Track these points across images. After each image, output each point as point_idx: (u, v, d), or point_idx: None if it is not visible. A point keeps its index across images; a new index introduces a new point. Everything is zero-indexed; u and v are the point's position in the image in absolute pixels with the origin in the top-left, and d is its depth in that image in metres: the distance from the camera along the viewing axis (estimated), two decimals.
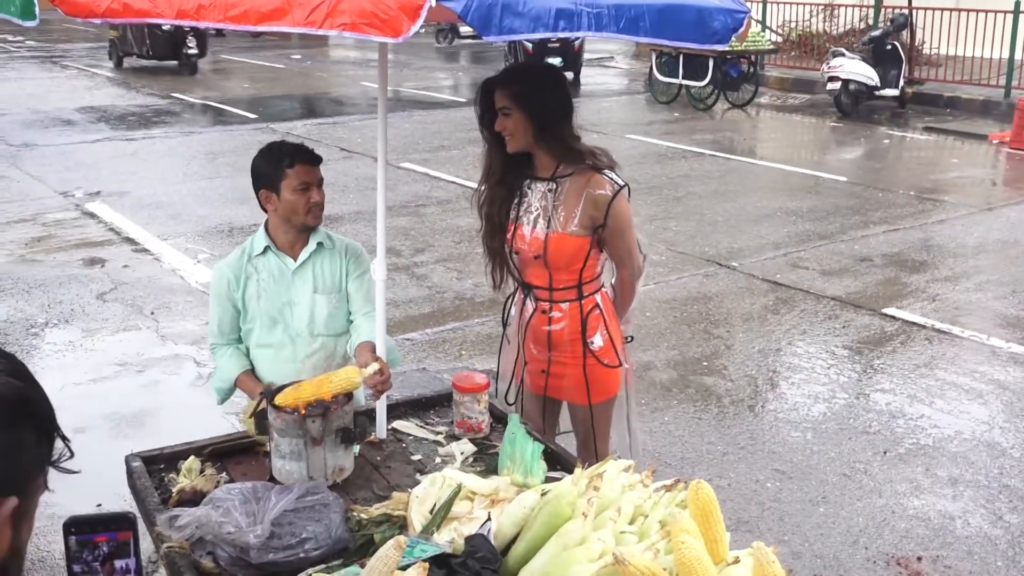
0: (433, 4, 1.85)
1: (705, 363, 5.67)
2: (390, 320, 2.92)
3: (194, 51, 18.34)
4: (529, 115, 2.97)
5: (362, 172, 10.28)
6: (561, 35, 2.27)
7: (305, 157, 3.01)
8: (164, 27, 16.29)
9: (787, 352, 5.83)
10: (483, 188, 3.20)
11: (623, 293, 3.25)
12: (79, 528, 1.42)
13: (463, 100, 15.69)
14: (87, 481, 4.09)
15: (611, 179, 3.03)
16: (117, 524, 1.43)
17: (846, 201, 9.35)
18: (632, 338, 3.35)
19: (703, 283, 7.01)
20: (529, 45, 15.97)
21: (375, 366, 2.65)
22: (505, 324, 3.37)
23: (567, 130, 3.05)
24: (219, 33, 22.61)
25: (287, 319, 3.10)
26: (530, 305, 3.19)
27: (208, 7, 1.90)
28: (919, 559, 3.83)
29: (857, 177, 10.43)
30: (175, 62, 18.68)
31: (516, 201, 3.14)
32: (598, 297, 3.16)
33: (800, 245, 7.91)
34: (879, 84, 13.83)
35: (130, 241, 7.88)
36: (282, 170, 2.99)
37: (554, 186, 3.06)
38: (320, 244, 3.12)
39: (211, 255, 7.43)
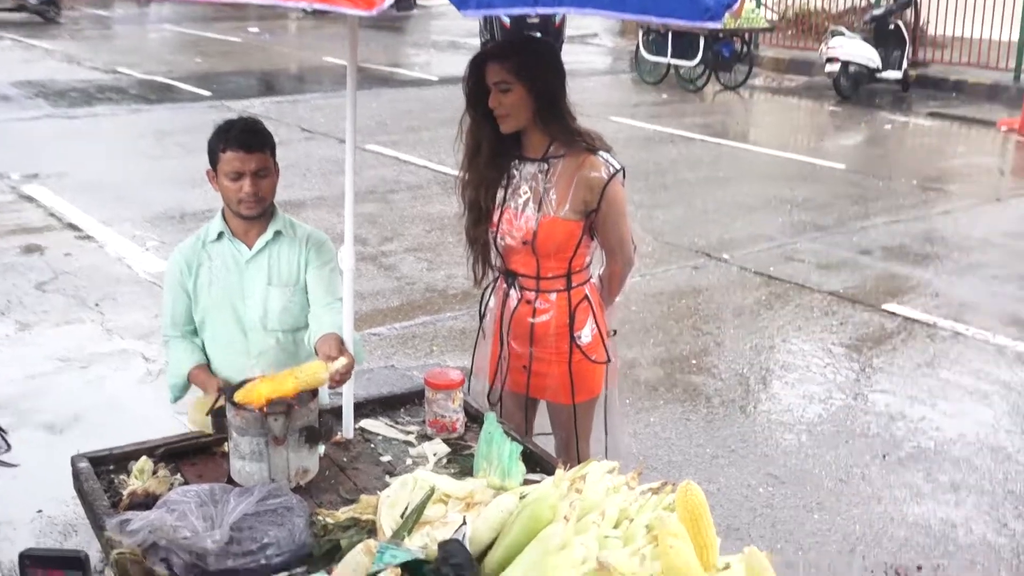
0: None
1: (694, 361, 5.72)
2: (355, 314, 2.93)
3: None
4: (531, 91, 2.98)
5: (325, 154, 10.26)
6: (541, 11, 2.29)
7: (239, 142, 2.95)
8: None
9: (781, 350, 5.89)
10: (466, 172, 3.19)
11: (611, 284, 3.28)
12: (33, 562, 1.58)
13: (434, 78, 15.67)
14: (27, 485, 4.07)
15: (606, 161, 3.05)
16: (69, 564, 1.58)
17: (844, 190, 9.44)
18: (615, 332, 3.38)
19: (692, 276, 7.07)
20: (507, 20, 15.98)
21: (343, 360, 2.66)
22: (482, 317, 3.39)
23: (566, 107, 3.07)
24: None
25: (239, 311, 3.10)
26: (514, 295, 3.19)
27: None
28: (919, 568, 3.89)
29: (856, 165, 10.53)
30: None
31: (503, 183, 3.14)
32: (587, 288, 3.18)
33: (795, 236, 7.98)
34: (881, 66, 13.94)
35: (72, 227, 7.83)
36: (217, 153, 2.98)
37: (545, 167, 3.07)
38: (279, 232, 3.10)
39: (160, 242, 7.40)
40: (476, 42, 17.88)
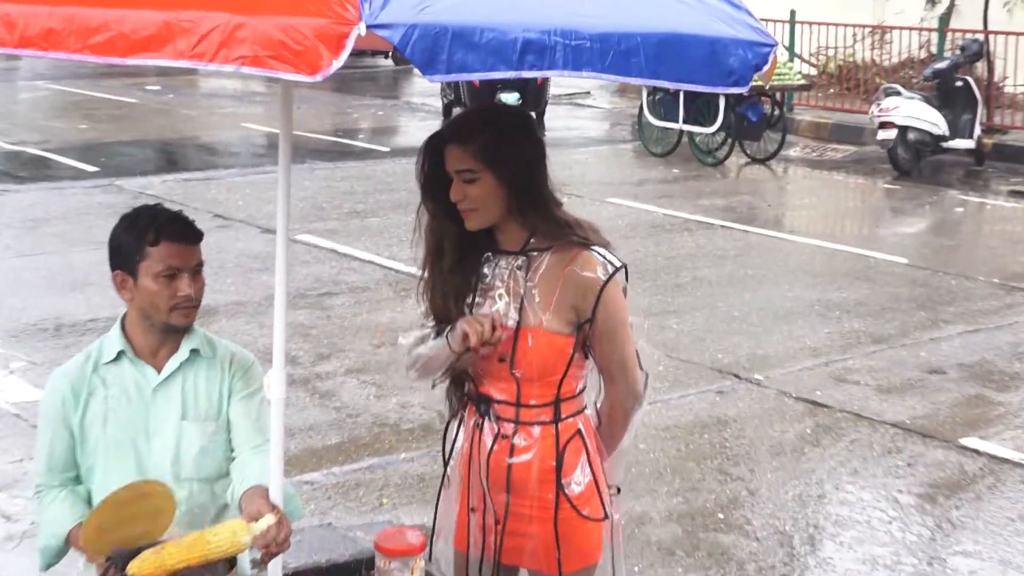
0: (362, 33, 1.93)
1: (721, 515, 5.71)
2: (284, 455, 2.93)
3: None
4: (502, 178, 2.99)
5: (243, 247, 10.31)
6: (528, 74, 2.36)
7: (177, 232, 3.02)
8: None
9: (832, 500, 5.89)
10: (427, 275, 3.20)
11: (612, 423, 3.24)
12: None
13: (384, 149, 15.88)
14: None
15: (603, 258, 3.06)
16: None
17: (908, 291, 9.55)
18: (619, 490, 3.35)
19: (716, 403, 7.09)
20: None
21: (270, 518, 2.65)
22: (447, 459, 3.37)
23: (549, 192, 3.09)
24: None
25: (142, 455, 3.09)
26: (488, 429, 3.17)
27: (61, 33, 1.96)
28: None
29: (921, 259, 10.68)
30: None
31: (473, 283, 3.15)
32: (580, 421, 3.17)
33: (847, 351, 8.05)
34: (947, 133, 14.15)
35: None
36: (143, 247, 3.01)
37: (525, 261, 3.08)
38: (195, 351, 3.12)
39: (29, 363, 7.37)
40: (437, 103, 18.22)
